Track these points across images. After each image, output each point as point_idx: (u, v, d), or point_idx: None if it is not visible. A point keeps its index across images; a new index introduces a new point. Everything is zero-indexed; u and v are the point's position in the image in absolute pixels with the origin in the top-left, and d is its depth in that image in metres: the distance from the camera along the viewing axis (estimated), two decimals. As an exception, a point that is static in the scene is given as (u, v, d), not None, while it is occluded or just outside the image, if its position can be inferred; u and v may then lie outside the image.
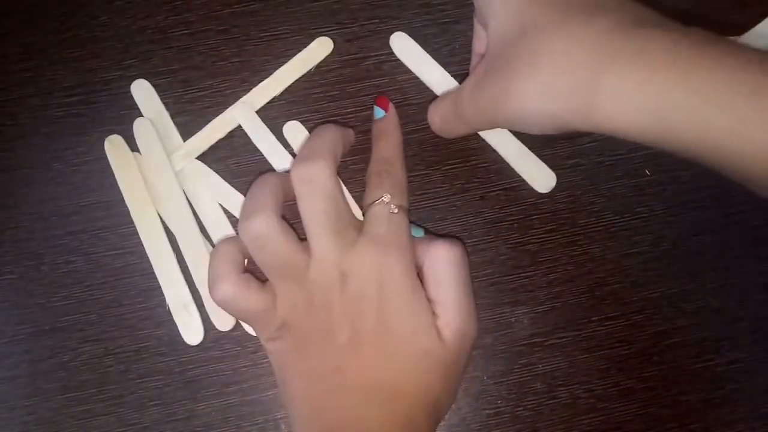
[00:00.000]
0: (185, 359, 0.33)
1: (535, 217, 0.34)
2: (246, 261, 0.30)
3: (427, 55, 0.35)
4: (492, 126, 0.31)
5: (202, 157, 0.34)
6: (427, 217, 0.34)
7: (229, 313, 0.31)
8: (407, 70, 0.35)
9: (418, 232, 0.31)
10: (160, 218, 0.34)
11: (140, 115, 0.34)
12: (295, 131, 0.35)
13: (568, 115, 0.25)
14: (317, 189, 0.28)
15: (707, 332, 0.34)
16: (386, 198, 0.29)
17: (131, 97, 0.35)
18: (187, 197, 0.34)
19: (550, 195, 0.34)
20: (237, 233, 0.31)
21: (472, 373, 0.33)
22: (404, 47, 0.35)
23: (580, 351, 0.34)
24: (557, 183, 0.34)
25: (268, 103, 0.35)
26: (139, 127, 0.34)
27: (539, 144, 0.34)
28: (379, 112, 0.33)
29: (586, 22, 0.24)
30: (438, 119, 0.33)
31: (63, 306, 0.33)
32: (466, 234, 0.34)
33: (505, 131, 0.34)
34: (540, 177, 0.34)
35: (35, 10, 0.36)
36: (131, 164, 0.34)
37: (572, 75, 0.24)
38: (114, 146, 0.34)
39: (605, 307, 0.34)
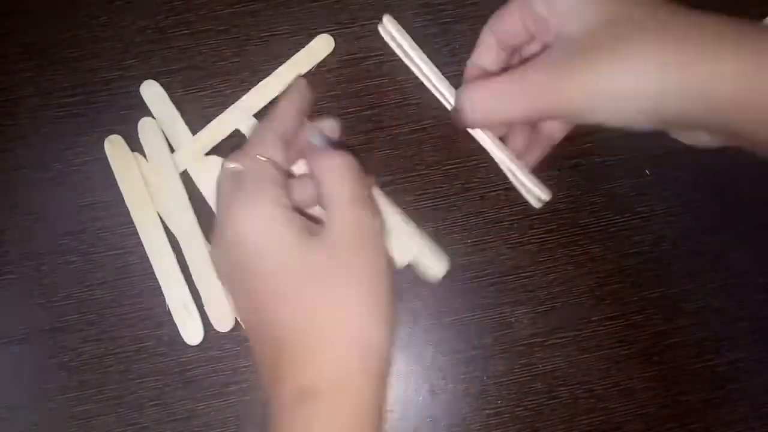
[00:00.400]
0: (185, 359, 0.33)
1: (535, 217, 0.34)
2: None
3: (413, 43, 0.32)
4: (557, 111, 0.27)
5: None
6: (427, 217, 0.34)
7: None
8: (407, 70, 0.35)
9: (317, 139, 0.30)
10: (160, 218, 0.34)
11: (139, 114, 0.34)
12: (295, 131, 0.34)
13: (662, 99, 0.25)
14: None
15: (707, 332, 0.34)
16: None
17: (131, 97, 0.35)
18: (188, 197, 0.34)
19: (550, 195, 0.34)
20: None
21: (472, 373, 0.33)
22: (394, 33, 0.32)
23: (580, 351, 0.34)
24: (557, 183, 0.34)
25: (268, 103, 0.35)
26: (143, 126, 0.34)
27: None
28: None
29: (677, 14, 0.26)
30: (479, 103, 0.28)
31: (63, 306, 0.33)
32: (466, 234, 0.34)
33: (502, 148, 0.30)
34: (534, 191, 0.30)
35: (35, 10, 0.36)
36: (131, 164, 0.34)
37: (679, 56, 0.25)
38: (114, 146, 0.34)
39: (605, 307, 0.34)
